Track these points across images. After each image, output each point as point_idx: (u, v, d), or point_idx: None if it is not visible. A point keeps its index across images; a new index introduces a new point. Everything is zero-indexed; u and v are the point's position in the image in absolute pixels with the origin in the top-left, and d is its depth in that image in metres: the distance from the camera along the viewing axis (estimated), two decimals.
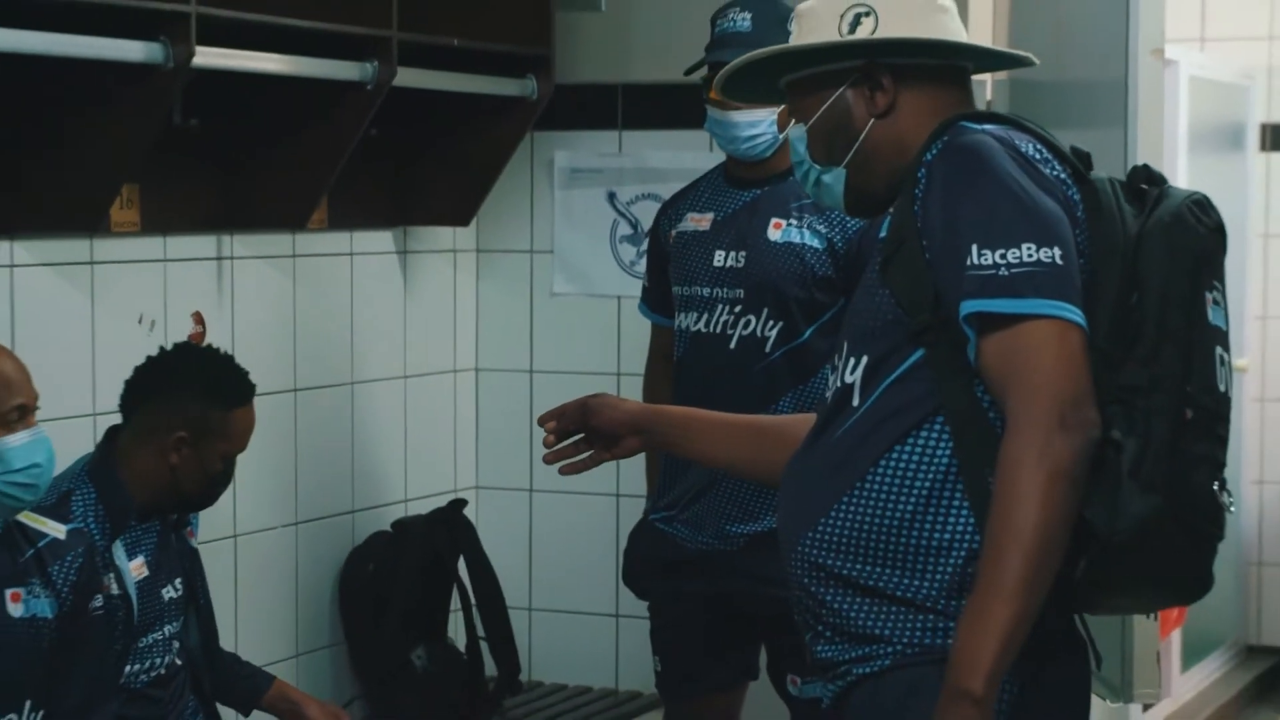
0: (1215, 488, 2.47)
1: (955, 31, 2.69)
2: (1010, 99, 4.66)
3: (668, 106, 5.03)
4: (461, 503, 4.94)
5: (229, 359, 3.87)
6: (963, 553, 2.50)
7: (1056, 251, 2.44)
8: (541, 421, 2.98)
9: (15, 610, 3.34)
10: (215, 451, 3.77)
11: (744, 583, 4.08)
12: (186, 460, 3.74)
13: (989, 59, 2.81)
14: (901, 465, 2.53)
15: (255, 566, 4.61)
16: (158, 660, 3.79)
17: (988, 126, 2.57)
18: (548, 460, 2.97)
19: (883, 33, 2.64)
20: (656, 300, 4.35)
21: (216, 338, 4.35)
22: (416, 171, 5.01)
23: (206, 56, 3.92)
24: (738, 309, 4.11)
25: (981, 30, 4.73)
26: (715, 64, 4.03)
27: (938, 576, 2.51)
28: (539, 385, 5.25)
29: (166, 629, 3.80)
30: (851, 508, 2.56)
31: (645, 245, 4.66)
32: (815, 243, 4.08)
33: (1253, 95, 7.32)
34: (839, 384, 2.62)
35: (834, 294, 4.05)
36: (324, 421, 4.82)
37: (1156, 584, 2.52)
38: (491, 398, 5.35)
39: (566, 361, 5.22)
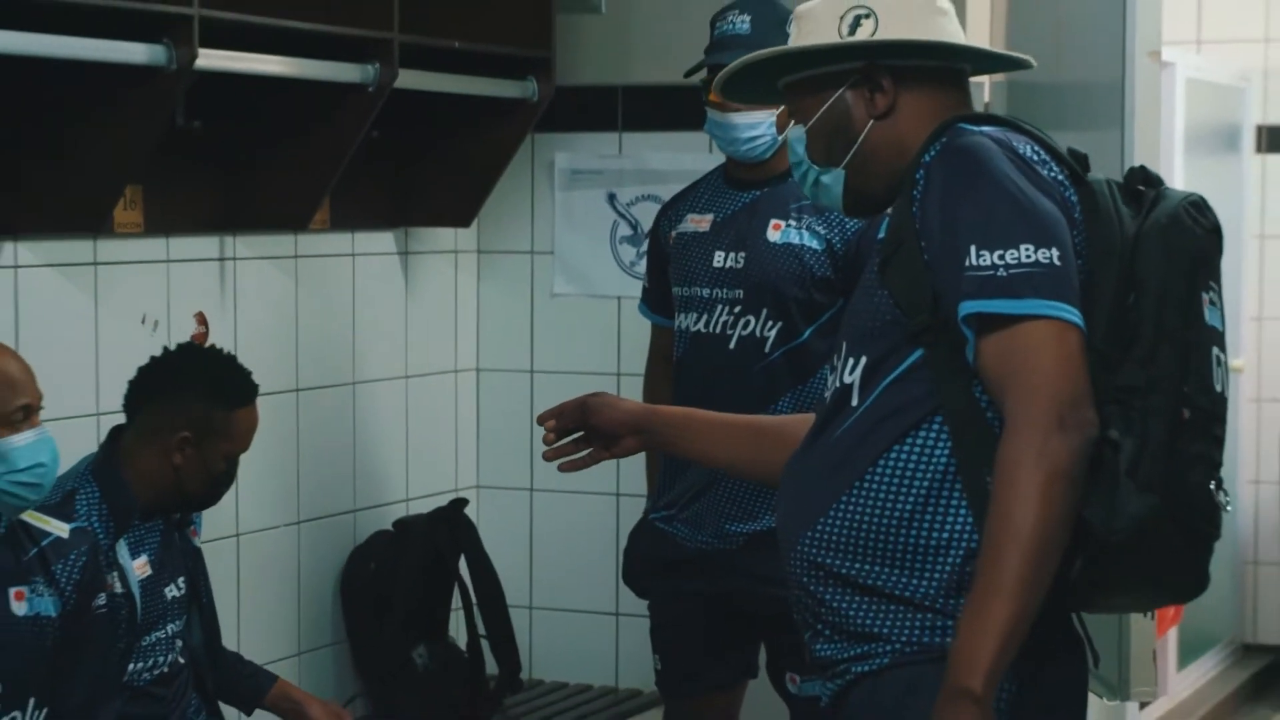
0: (1212, 487, 2.47)
1: (954, 34, 2.69)
2: (1008, 101, 4.66)
3: (667, 108, 5.03)
4: (462, 502, 4.94)
5: (232, 359, 3.87)
6: (961, 552, 2.50)
7: (1054, 252, 2.44)
8: (541, 420, 2.98)
9: (19, 609, 3.34)
10: (218, 451, 3.77)
11: (743, 582, 4.08)
12: (190, 460, 3.75)
13: (988, 61, 2.82)
14: (900, 465, 2.53)
15: (257, 565, 4.61)
16: (161, 658, 3.79)
17: (986, 128, 2.57)
18: (547, 457, 2.97)
19: (882, 35, 2.64)
20: (657, 301, 4.35)
21: (219, 338, 4.35)
22: (418, 173, 5.01)
23: (209, 59, 3.93)
24: (737, 309, 4.11)
25: (979, 32, 4.73)
26: (715, 66, 4.03)
27: (936, 575, 2.51)
28: (539, 385, 5.25)
29: (169, 627, 3.81)
30: (850, 507, 2.56)
31: (645, 246, 4.66)
32: (814, 244, 4.08)
33: (1248, 97, 7.33)
34: (838, 384, 2.62)
35: (833, 295, 4.05)
36: (326, 421, 4.82)
37: (1153, 583, 2.53)
38: (492, 398, 5.35)
39: (567, 362, 5.22)
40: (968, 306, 2.44)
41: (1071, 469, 2.38)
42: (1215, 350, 2.50)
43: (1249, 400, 7.32)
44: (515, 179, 5.18)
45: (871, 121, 2.66)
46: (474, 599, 4.87)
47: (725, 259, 4.14)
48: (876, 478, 2.54)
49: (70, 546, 3.44)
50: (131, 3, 3.79)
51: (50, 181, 3.94)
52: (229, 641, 4.16)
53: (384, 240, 5.01)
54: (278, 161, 4.47)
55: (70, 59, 3.74)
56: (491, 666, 4.91)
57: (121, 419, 3.83)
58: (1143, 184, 2.58)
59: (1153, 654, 4.18)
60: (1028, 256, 2.43)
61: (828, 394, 2.66)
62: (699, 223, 4.22)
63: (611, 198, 5.19)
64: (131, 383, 3.82)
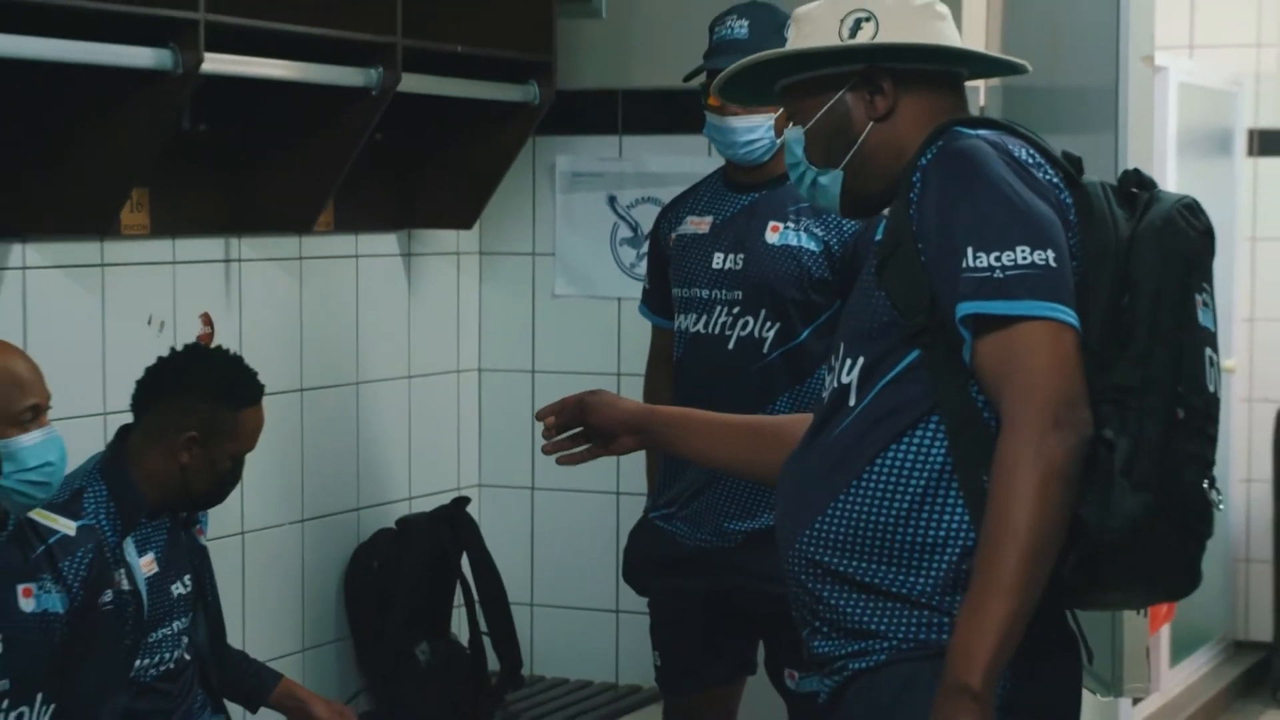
0: (1205, 486, 2.47)
1: (953, 38, 2.69)
2: (1003, 105, 4.66)
3: (667, 112, 5.03)
4: (465, 500, 4.94)
5: (238, 360, 3.87)
6: (957, 550, 2.50)
7: (1050, 254, 2.44)
8: (540, 416, 2.98)
9: (27, 605, 3.34)
10: (225, 451, 3.77)
11: (742, 579, 4.08)
12: (196, 459, 3.74)
13: (986, 65, 2.82)
14: (897, 464, 2.53)
15: (262, 563, 4.61)
16: (167, 655, 3.79)
17: (981, 131, 2.57)
18: (546, 451, 2.98)
19: (883, 38, 2.64)
20: (657, 302, 4.35)
21: (224, 339, 4.35)
22: (421, 175, 5.01)
23: (215, 63, 3.93)
24: (736, 310, 4.11)
25: (975, 37, 4.73)
26: (713, 70, 4.03)
27: (933, 573, 2.51)
28: (540, 385, 5.25)
29: (175, 624, 3.81)
30: (848, 505, 2.56)
31: (645, 248, 4.66)
32: (812, 245, 4.08)
33: (1240, 101, 7.33)
34: (836, 384, 2.62)
35: (830, 296, 4.05)
36: (330, 421, 4.82)
37: (1147, 581, 2.53)
38: (494, 397, 5.35)
39: (568, 362, 5.22)
40: (965, 307, 2.44)
41: (1067, 468, 2.38)
42: (1208, 351, 2.50)
43: (1241, 400, 7.33)
44: (517, 181, 5.18)
45: (871, 124, 2.66)
46: (476, 596, 4.87)
47: (724, 260, 4.15)
48: (874, 476, 2.54)
49: (77, 544, 3.44)
50: (138, 7, 3.79)
51: (57, 184, 3.94)
52: (234, 638, 4.16)
53: (387, 242, 5.01)
54: (282, 164, 4.47)
55: (77, 63, 3.73)
56: (493, 663, 4.91)
57: (128, 418, 3.83)
58: (1136, 187, 2.58)
59: (1146, 650, 4.19)
60: (1024, 258, 2.43)
61: (825, 394, 2.66)
62: (698, 225, 4.22)
63: (612, 200, 5.19)
64: (139, 383, 3.82)
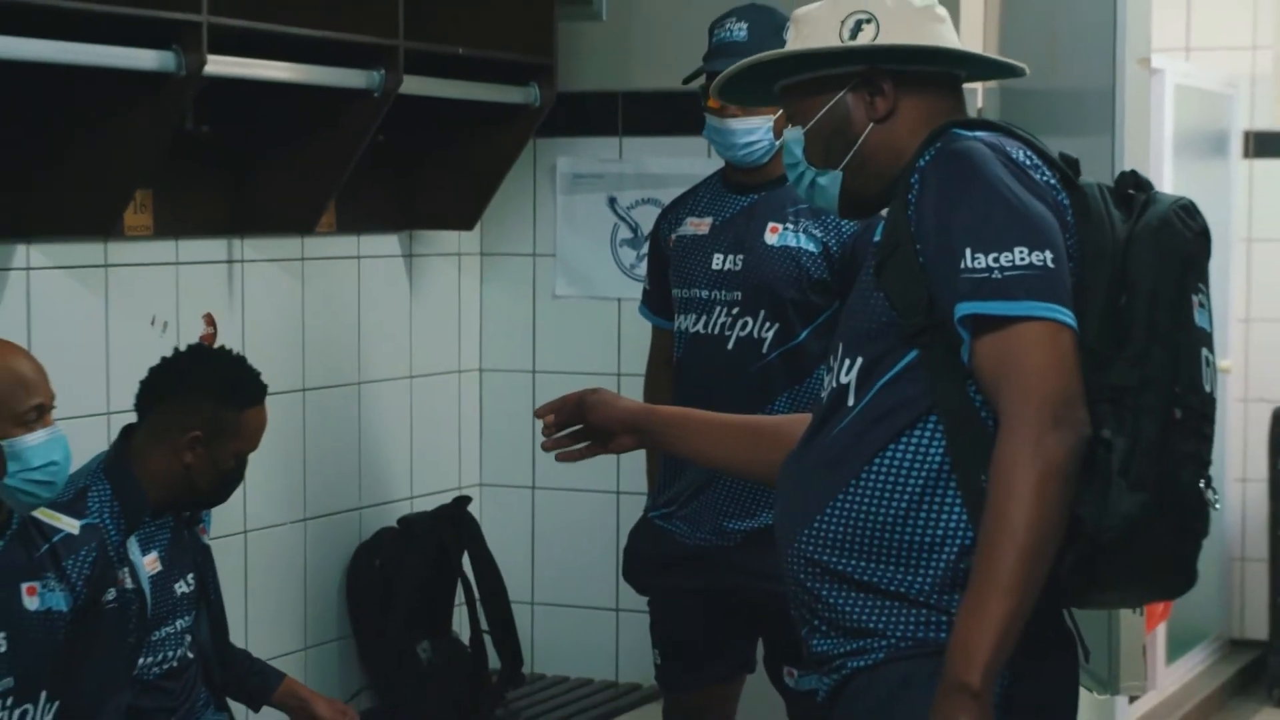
0: (1201, 486, 2.47)
1: (952, 40, 2.70)
2: (1001, 106, 4.66)
3: (667, 114, 5.03)
4: (466, 499, 4.94)
5: (242, 360, 3.87)
6: (955, 549, 2.50)
7: (1048, 255, 2.44)
8: (539, 413, 2.98)
9: (31, 603, 3.34)
10: (228, 450, 3.77)
11: (741, 578, 4.08)
12: (200, 459, 3.74)
13: (984, 67, 2.81)
14: (895, 463, 2.53)
15: (265, 562, 4.61)
16: (170, 653, 3.79)
17: (979, 133, 2.57)
18: (545, 448, 2.98)
19: (883, 40, 2.64)
20: (657, 303, 4.35)
21: (227, 339, 4.36)
22: (422, 177, 5.01)
23: (218, 65, 3.93)
24: (735, 311, 4.11)
25: (972, 40, 4.73)
26: (713, 72, 4.03)
27: (931, 572, 2.51)
28: (541, 385, 5.25)
29: (179, 623, 3.81)
30: (846, 505, 2.56)
31: (645, 249, 4.66)
32: (811, 246, 4.08)
33: (1236, 103, 7.33)
34: (834, 384, 2.62)
35: (829, 296, 4.05)
36: (332, 420, 4.82)
37: (1144, 580, 2.52)
38: (495, 397, 5.35)
39: (568, 362, 5.22)
40: (963, 308, 2.44)
41: (1065, 467, 2.38)
42: (1204, 351, 2.50)
43: (1236, 400, 7.33)
44: (518, 183, 5.18)
45: (871, 124, 2.66)
46: (477, 595, 4.87)
47: (724, 261, 4.15)
48: (872, 476, 2.54)
49: (81, 543, 3.44)
50: (142, 10, 3.79)
51: (61, 185, 3.94)
52: (237, 636, 4.16)
53: (389, 243, 5.01)
54: (284, 165, 4.47)
55: (82, 65, 3.74)
56: (494, 661, 4.91)
57: (132, 418, 3.83)
58: (1133, 188, 2.58)
59: (1142, 649, 4.19)
60: (1021, 259, 2.43)
61: (824, 394, 2.66)
62: (698, 226, 4.22)
63: (612, 201, 5.19)
64: (143, 383, 3.82)
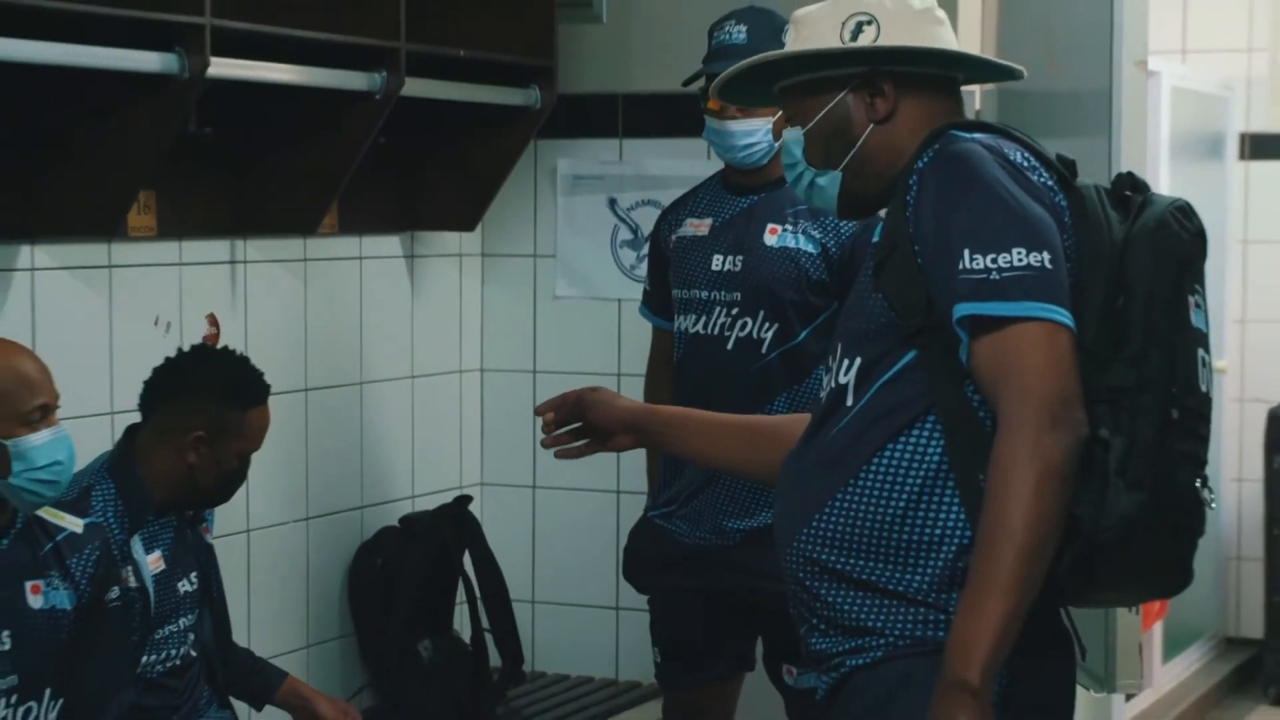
0: (1198, 485, 2.47)
1: (950, 43, 2.70)
2: (998, 108, 4.66)
3: (667, 116, 5.03)
4: (467, 499, 4.94)
5: (245, 360, 3.87)
6: (953, 547, 2.50)
7: (1045, 256, 2.44)
8: (539, 411, 2.98)
9: (35, 602, 3.34)
10: (231, 450, 3.78)
11: (741, 577, 4.08)
12: (204, 459, 3.75)
13: (984, 70, 2.81)
14: (893, 463, 2.53)
15: (268, 560, 4.61)
16: (173, 651, 3.79)
17: (977, 135, 2.57)
18: (545, 444, 2.98)
19: (884, 41, 2.64)
20: (657, 303, 4.35)
21: (230, 339, 4.36)
22: (424, 178, 5.01)
23: (220, 67, 3.93)
24: (735, 311, 4.11)
25: (970, 42, 4.73)
26: (712, 75, 4.03)
27: (929, 571, 2.51)
28: (542, 385, 5.25)
29: (182, 621, 3.81)
30: (845, 504, 2.56)
31: (645, 250, 4.66)
32: (810, 248, 4.08)
33: (1232, 105, 7.33)
34: (833, 384, 2.62)
35: (828, 297, 4.05)
36: (334, 420, 4.82)
37: (1141, 579, 2.52)
38: (496, 397, 5.35)
39: (568, 362, 5.22)
40: (962, 309, 2.44)
41: (1064, 467, 2.38)
42: (1201, 352, 2.50)
43: (1232, 400, 7.33)
44: (518, 184, 5.19)
45: (871, 126, 2.66)
46: (478, 593, 4.87)
47: (723, 262, 4.15)
48: (870, 475, 2.54)
49: (84, 541, 3.44)
50: (145, 12, 3.79)
51: (66, 186, 3.95)
52: (239, 634, 4.16)
53: (390, 244, 5.01)
54: (287, 167, 4.47)
55: (86, 67, 3.74)
56: (495, 659, 4.91)
57: (135, 417, 3.83)
58: (1130, 189, 2.58)
59: (1138, 647, 4.19)
60: (1019, 260, 2.43)
61: (823, 394, 2.66)
62: (698, 227, 4.22)
63: (612, 203, 5.19)
64: (147, 383, 3.82)
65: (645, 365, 4.46)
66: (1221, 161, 7.30)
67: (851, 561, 2.55)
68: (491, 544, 4.92)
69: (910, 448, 2.52)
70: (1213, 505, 2.51)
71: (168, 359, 3.85)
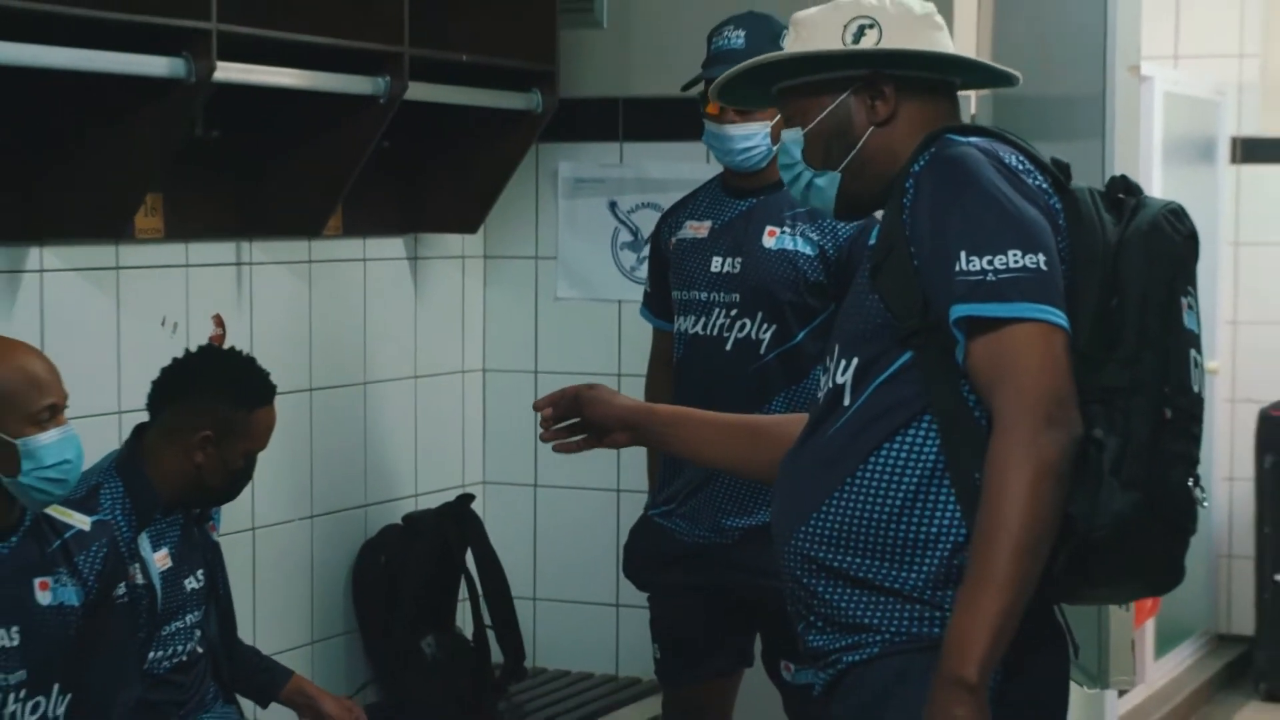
0: (1190, 484, 2.48)
1: (950, 48, 2.70)
2: (994, 113, 4.66)
3: (667, 120, 5.03)
4: (469, 497, 4.93)
5: (251, 361, 3.87)
6: (949, 545, 2.50)
7: (1041, 258, 2.44)
8: (537, 406, 2.98)
9: (44, 598, 3.34)
10: (238, 450, 3.78)
11: (739, 575, 4.08)
12: (211, 458, 3.75)
13: (982, 75, 2.81)
14: (890, 462, 2.53)
15: (272, 558, 4.61)
16: (180, 647, 3.79)
17: (973, 139, 2.57)
18: (544, 439, 2.98)
19: (886, 45, 2.64)
20: (657, 305, 4.36)
21: (236, 340, 4.35)
22: (427, 181, 5.01)
23: (227, 71, 3.93)
24: (734, 312, 4.11)
25: (965, 47, 4.72)
26: (711, 80, 4.03)
27: (925, 568, 2.51)
28: (543, 385, 5.24)
29: (188, 618, 3.81)
30: (842, 503, 2.56)
31: (645, 252, 4.66)
32: (807, 250, 4.08)
33: (1224, 110, 7.34)
34: (830, 385, 2.62)
35: (825, 299, 4.05)
36: (338, 420, 4.82)
37: (1134, 576, 2.53)
38: (498, 397, 5.35)
39: (569, 363, 5.22)
40: (958, 310, 2.44)
41: (1059, 466, 2.38)
42: (1193, 353, 2.51)
43: (1224, 401, 7.33)
44: (520, 187, 5.18)
45: (871, 128, 2.66)
46: (480, 590, 4.87)
47: (722, 264, 4.15)
48: (867, 474, 2.54)
49: (92, 539, 3.44)
50: (153, 18, 3.79)
51: (74, 189, 3.94)
52: (245, 631, 4.16)
53: (394, 246, 5.01)
54: (292, 170, 4.47)
55: (94, 72, 3.74)
56: (497, 655, 4.91)
57: (142, 417, 3.83)
58: (1123, 192, 2.58)
59: (1131, 644, 4.19)
60: (1015, 262, 2.43)
61: (820, 394, 2.66)
62: (697, 229, 4.22)
63: (613, 205, 5.19)
64: (155, 383, 3.82)
65: (645, 366, 4.46)
66: (1213, 165, 7.30)
67: (848, 559, 2.55)
68: (493, 542, 4.91)
69: (907, 447, 2.52)
70: (1205, 504, 2.51)
71: (175, 360, 3.85)
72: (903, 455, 2.52)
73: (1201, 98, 7.14)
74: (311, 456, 4.72)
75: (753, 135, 4.10)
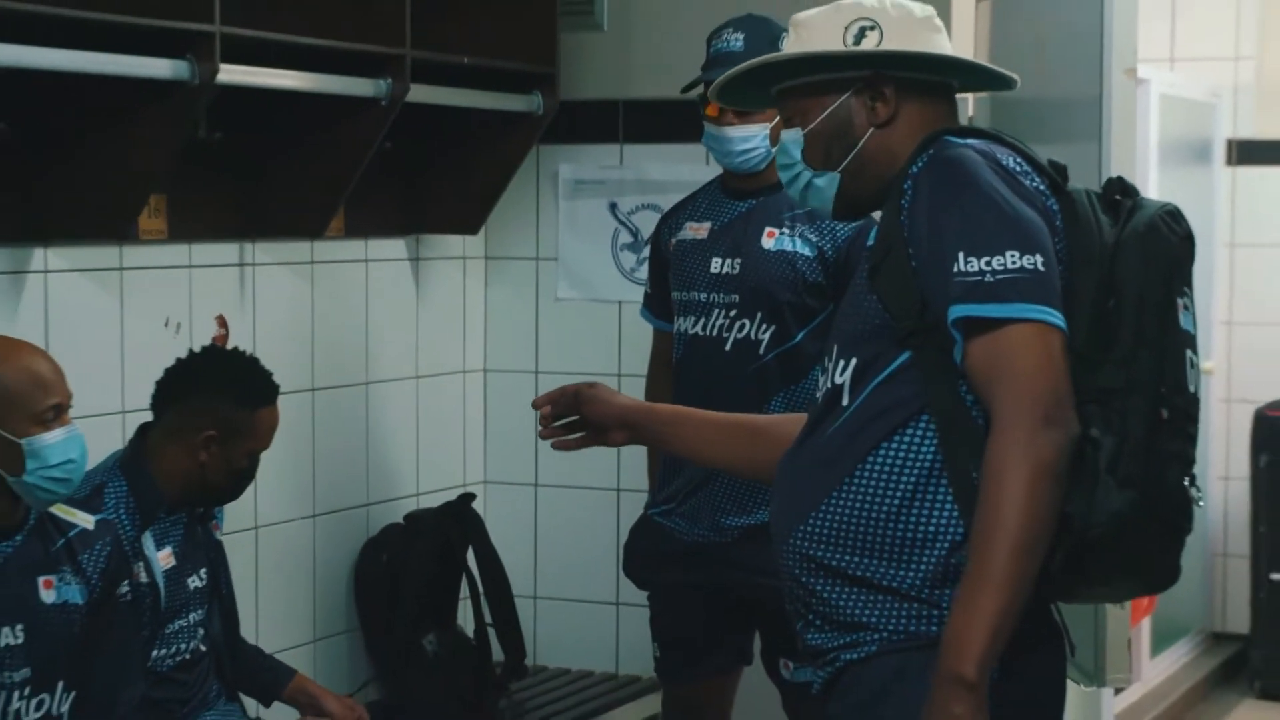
0: (1186, 483, 2.48)
1: (949, 50, 2.70)
2: (991, 115, 4.66)
3: (667, 122, 5.03)
4: (470, 496, 4.93)
5: (255, 361, 3.87)
6: (946, 544, 2.50)
7: (1038, 259, 2.44)
8: (536, 404, 2.98)
9: (48, 596, 3.34)
10: (241, 449, 3.78)
11: (739, 573, 4.08)
12: (214, 458, 3.75)
13: (981, 77, 2.81)
14: (888, 461, 2.53)
15: (275, 557, 4.61)
16: (183, 646, 3.79)
17: (970, 141, 2.57)
18: (542, 436, 2.98)
19: (887, 47, 2.64)
20: (657, 305, 4.35)
21: (239, 340, 4.36)
22: (428, 182, 5.01)
23: (230, 73, 3.93)
24: (733, 313, 4.11)
25: (963, 50, 4.72)
26: (710, 82, 4.03)
27: (922, 567, 2.51)
28: (544, 386, 5.22)
29: (192, 616, 3.81)
30: (840, 502, 2.56)
31: (645, 253, 4.66)
32: (806, 251, 4.08)
33: (1219, 112, 7.34)
34: (829, 385, 2.62)
35: (824, 299, 4.05)
36: (340, 420, 4.82)
37: (1131, 575, 2.53)
38: (499, 397, 5.35)
39: (570, 363, 5.22)
40: (956, 310, 2.44)
41: (1056, 465, 2.38)
42: (1189, 353, 2.51)
43: (1219, 401, 7.33)
44: (521, 189, 5.18)
45: (871, 129, 2.66)
46: (481, 589, 4.87)
47: (722, 265, 4.15)
48: (866, 474, 2.54)
49: (95, 538, 3.44)
50: (157, 20, 3.79)
51: (78, 190, 3.94)
52: (248, 629, 4.15)
53: (396, 247, 5.01)
54: (295, 171, 4.47)
55: (98, 74, 3.74)
56: (497, 653, 4.91)
57: (146, 416, 3.83)
58: (1120, 194, 2.58)
59: (1127, 642, 4.19)
60: (1013, 262, 2.43)
61: (819, 394, 2.66)
62: (697, 230, 4.22)
63: (613, 207, 5.19)
64: (159, 383, 3.82)
65: (645, 366, 4.46)
66: (1209, 167, 7.30)
67: (846, 558, 2.55)
68: (494, 540, 4.91)
69: (905, 446, 2.52)
70: (1200, 503, 2.51)
71: (179, 360, 3.85)
72: (901, 455, 2.52)
73: (1197, 100, 7.14)
74: (314, 456, 4.72)
75: (752, 137, 4.10)
